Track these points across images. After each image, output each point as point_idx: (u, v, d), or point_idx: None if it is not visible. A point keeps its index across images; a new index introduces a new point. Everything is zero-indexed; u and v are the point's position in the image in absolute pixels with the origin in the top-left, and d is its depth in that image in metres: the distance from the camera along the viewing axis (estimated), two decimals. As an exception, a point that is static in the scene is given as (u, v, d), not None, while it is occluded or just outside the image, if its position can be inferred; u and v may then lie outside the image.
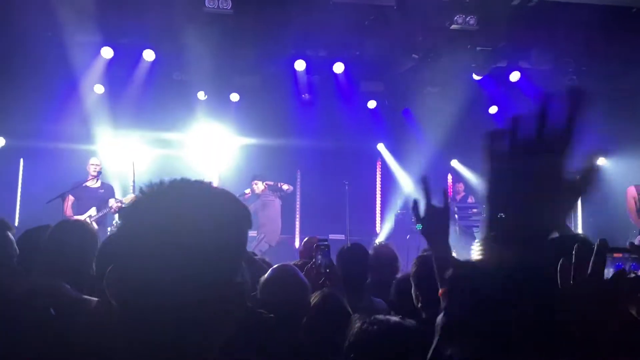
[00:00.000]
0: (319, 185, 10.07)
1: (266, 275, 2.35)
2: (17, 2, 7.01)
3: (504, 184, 0.78)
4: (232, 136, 10.08)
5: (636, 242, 1.45)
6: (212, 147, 10.39)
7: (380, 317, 1.81)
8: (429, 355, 1.37)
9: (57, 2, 7.04)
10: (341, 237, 8.79)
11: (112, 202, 7.44)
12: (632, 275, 1.40)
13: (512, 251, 0.73)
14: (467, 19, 7.44)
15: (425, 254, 2.69)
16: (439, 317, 1.14)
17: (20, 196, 9.47)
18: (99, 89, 8.97)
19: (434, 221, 1.73)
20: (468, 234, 9.30)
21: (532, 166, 0.83)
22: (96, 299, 1.81)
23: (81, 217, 7.15)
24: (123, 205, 7.01)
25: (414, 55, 8.55)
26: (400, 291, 2.96)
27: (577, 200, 0.80)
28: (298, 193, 10.56)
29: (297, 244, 9.69)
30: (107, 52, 8.22)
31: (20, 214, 9.31)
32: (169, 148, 9.79)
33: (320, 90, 9.69)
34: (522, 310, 0.71)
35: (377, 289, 3.41)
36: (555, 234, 2.22)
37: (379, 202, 10.89)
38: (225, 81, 9.32)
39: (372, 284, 3.55)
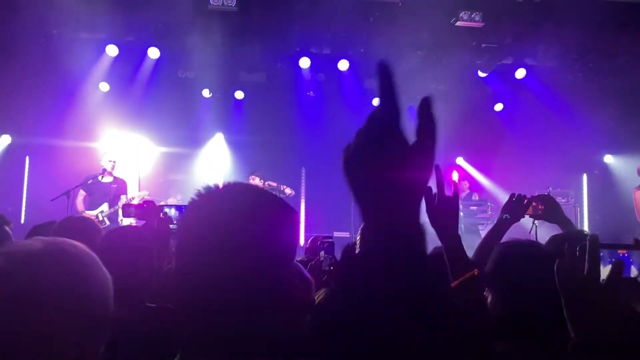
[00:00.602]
0: (323, 182, 10.05)
1: None
2: (22, 0, 7.03)
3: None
4: (235, 133, 10.09)
5: None
6: (215, 144, 10.42)
7: None
8: None
9: (62, 0, 7.05)
10: (346, 234, 8.79)
11: (123, 199, 7.36)
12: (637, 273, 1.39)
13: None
14: (473, 15, 7.40)
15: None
16: None
17: (26, 193, 9.51)
18: (104, 86, 9.00)
19: (445, 211, 1.70)
20: (473, 232, 9.27)
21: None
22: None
23: (93, 213, 7.16)
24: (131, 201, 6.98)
25: (418, 52, 8.52)
26: None
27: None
28: (303, 190, 10.56)
29: (301, 241, 9.69)
30: (112, 50, 8.24)
31: (26, 211, 9.35)
32: (173, 145, 9.80)
33: (325, 87, 9.68)
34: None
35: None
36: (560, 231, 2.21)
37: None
38: (230, 79, 9.33)
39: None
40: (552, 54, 8.51)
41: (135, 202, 6.71)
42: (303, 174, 10.64)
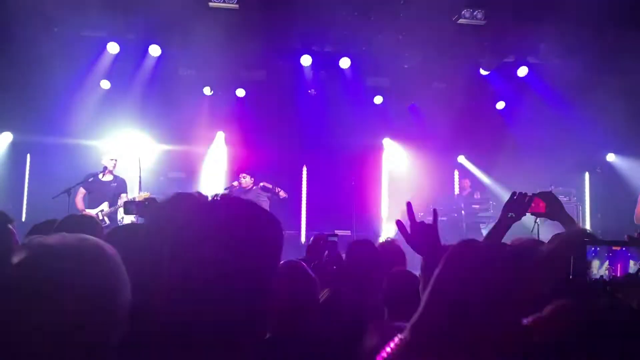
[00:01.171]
0: (324, 180, 10.05)
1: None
2: (23, -2, 7.02)
3: None
4: (236, 131, 10.08)
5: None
6: (216, 142, 10.42)
7: None
8: None
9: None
10: (347, 232, 8.77)
11: (123, 198, 7.35)
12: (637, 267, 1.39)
13: None
14: (475, 13, 7.38)
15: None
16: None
17: (27, 191, 9.51)
18: (105, 84, 8.99)
19: (424, 236, 1.73)
20: (475, 230, 9.25)
21: None
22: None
23: (92, 212, 7.16)
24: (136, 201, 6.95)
25: (420, 50, 8.49)
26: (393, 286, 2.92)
27: None
28: (304, 189, 10.55)
29: (302, 239, 9.69)
30: (113, 48, 8.23)
31: (27, 208, 9.35)
32: (174, 143, 9.79)
33: (327, 85, 9.66)
34: None
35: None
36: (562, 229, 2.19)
37: (386, 197, 10.86)
38: (231, 76, 9.31)
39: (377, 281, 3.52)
40: (554, 52, 8.49)
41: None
42: (304, 172, 10.63)
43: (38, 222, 2.90)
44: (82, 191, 7.45)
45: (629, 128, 9.10)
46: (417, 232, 1.74)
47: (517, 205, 2.26)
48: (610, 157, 10.67)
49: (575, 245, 0.97)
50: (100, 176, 7.43)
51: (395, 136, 10.66)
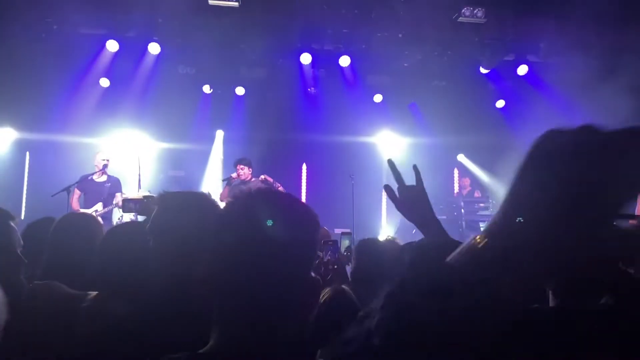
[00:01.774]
0: (324, 178, 10.05)
1: None
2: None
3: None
4: (236, 130, 10.07)
5: None
6: (216, 140, 10.41)
7: None
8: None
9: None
10: (347, 231, 8.75)
11: (118, 197, 7.38)
12: None
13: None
14: (475, 11, 7.38)
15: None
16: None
17: (26, 189, 9.50)
18: (105, 82, 8.97)
19: (413, 202, 1.67)
20: (474, 229, 9.25)
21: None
22: (94, 292, 1.81)
23: (87, 212, 7.15)
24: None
25: (420, 48, 8.48)
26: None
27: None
28: (304, 187, 10.55)
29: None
30: (112, 46, 8.21)
31: (26, 207, 9.34)
32: (174, 141, 9.78)
33: (326, 83, 9.65)
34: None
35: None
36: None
37: (385, 196, 10.85)
38: (231, 74, 9.30)
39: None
40: (554, 50, 8.48)
41: None
42: (304, 170, 10.62)
43: (34, 221, 2.89)
44: (76, 192, 7.46)
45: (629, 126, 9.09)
46: (405, 197, 1.70)
47: None
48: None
49: None
50: (94, 177, 7.44)
51: (394, 135, 10.65)
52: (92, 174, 7.46)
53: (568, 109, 9.37)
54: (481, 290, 0.56)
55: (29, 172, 9.57)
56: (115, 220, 7.39)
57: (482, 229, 9.87)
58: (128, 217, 5.83)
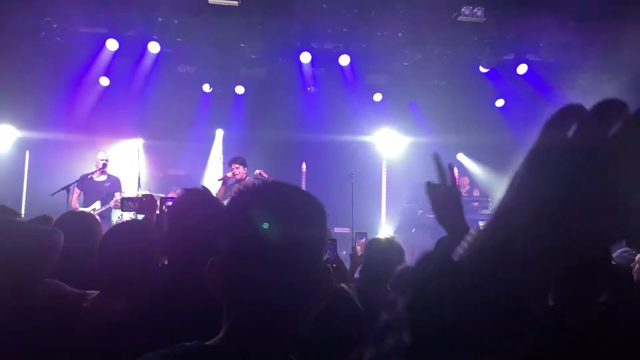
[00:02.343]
0: (324, 177, 10.05)
1: None
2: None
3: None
4: (236, 129, 10.07)
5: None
6: (215, 139, 10.41)
7: None
8: None
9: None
10: (346, 230, 8.77)
11: (117, 197, 7.36)
12: None
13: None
14: (475, 10, 7.37)
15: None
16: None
17: (26, 188, 9.49)
18: (105, 81, 8.97)
19: (448, 202, 1.66)
20: (473, 228, 9.26)
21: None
22: (96, 292, 1.81)
23: (85, 210, 7.15)
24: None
25: (420, 47, 8.48)
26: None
27: None
28: (303, 186, 10.54)
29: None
30: (112, 44, 8.21)
31: (26, 205, 9.34)
32: (174, 140, 9.79)
33: (326, 82, 9.65)
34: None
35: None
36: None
37: (385, 195, 10.86)
38: (231, 74, 9.29)
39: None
40: (554, 49, 8.48)
41: None
42: (303, 169, 10.62)
43: (31, 219, 2.89)
44: (76, 191, 7.46)
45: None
46: (438, 196, 1.68)
47: None
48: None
49: None
50: (94, 176, 7.45)
51: (394, 134, 10.65)
52: (92, 173, 7.47)
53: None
54: (485, 289, 0.56)
55: (28, 171, 9.57)
56: (114, 219, 7.39)
57: (481, 227, 9.91)
58: (128, 216, 5.83)
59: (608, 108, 0.60)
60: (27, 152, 9.54)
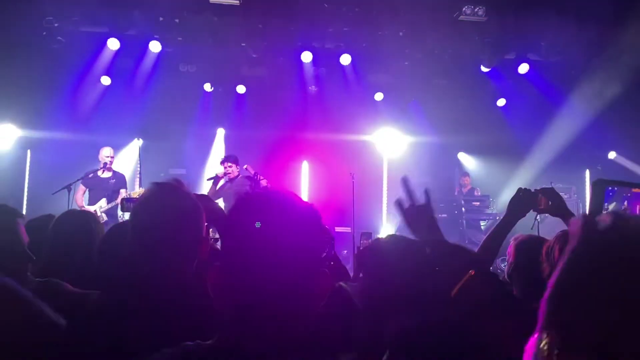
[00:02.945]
0: (325, 177, 10.05)
1: None
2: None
3: None
4: (237, 128, 10.08)
5: None
6: (217, 138, 10.41)
7: None
8: None
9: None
10: (347, 229, 8.77)
11: (123, 193, 7.36)
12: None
13: None
14: (476, 9, 7.36)
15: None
16: None
17: (28, 187, 9.51)
18: (106, 80, 8.98)
19: (421, 219, 1.68)
20: (475, 227, 9.26)
21: None
22: (97, 292, 1.81)
23: (91, 208, 7.15)
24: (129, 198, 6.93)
25: (421, 46, 8.48)
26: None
27: None
28: (304, 185, 10.55)
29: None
30: (113, 44, 8.21)
31: (27, 204, 9.36)
32: (175, 139, 9.79)
33: (327, 82, 9.64)
34: None
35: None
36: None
37: (386, 194, 10.86)
38: (232, 73, 9.30)
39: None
40: (555, 49, 8.47)
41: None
42: (305, 169, 10.63)
43: (35, 217, 2.90)
44: (81, 188, 7.46)
45: (631, 126, 9.08)
46: (414, 216, 1.71)
47: (523, 201, 2.25)
48: (612, 155, 10.66)
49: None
50: (99, 172, 7.44)
51: (395, 133, 10.65)
52: (97, 169, 7.46)
53: (568, 108, 9.37)
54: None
55: (30, 170, 9.59)
56: (118, 217, 7.39)
57: (482, 227, 9.90)
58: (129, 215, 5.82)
59: None
60: (29, 151, 9.55)
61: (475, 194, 9.94)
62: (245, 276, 0.97)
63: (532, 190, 2.30)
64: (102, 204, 7.32)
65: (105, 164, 7.45)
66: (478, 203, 9.55)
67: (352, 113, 9.80)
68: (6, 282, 1.52)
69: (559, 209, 2.30)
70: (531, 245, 2.32)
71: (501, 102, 10.06)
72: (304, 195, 10.42)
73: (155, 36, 8.22)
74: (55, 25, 7.74)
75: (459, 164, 11.13)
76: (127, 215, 5.96)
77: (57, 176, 7.68)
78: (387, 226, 10.33)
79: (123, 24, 7.99)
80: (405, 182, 1.70)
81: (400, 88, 9.81)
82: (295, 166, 10.51)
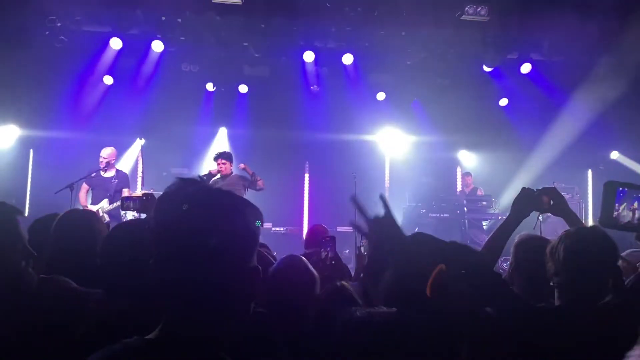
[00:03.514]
0: (327, 177, 10.05)
1: (275, 265, 2.34)
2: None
3: None
4: (239, 127, 10.09)
5: None
6: (220, 138, 10.42)
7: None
8: None
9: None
10: (349, 229, 8.76)
11: (125, 192, 7.30)
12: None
13: None
14: (478, 9, 7.35)
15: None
16: None
17: (30, 186, 9.53)
18: (108, 79, 8.99)
19: (383, 234, 1.58)
20: (477, 227, 9.25)
21: None
22: (99, 290, 1.81)
23: (93, 208, 7.14)
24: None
25: (423, 46, 8.47)
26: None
27: None
28: (306, 185, 10.55)
29: (304, 235, 9.68)
30: (116, 43, 8.22)
31: (30, 203, 9.38)
32: (177, 139, 9.80)
33: (329, 81, 9.64)
34: None
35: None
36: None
37: (388, 194, 10.85)
38: (234, 73, 9.31)
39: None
40: (558, 48, 8.45)
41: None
42: (306, 168, 10.63)
43: (40, 216, 2.91)
44: (85, 187, 7.43)
45: (634, 125, 9.06)
46: (375, 231, 1.62)
47: (527, 201, 2.25)
48: (614, 155, 10.64)
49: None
50: (101, 172, 7.39)
51: (397, 133, 10.64)
52: (100, 169, 7.42)
53: (571, 108, 9.35)
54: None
55: (32, 169, 9.61)
56: (121, 217, 7.37)
57: (485, 226, 9.88)
58: (131, 214, 5.83)
59: None
60: (31, 150, 9.57)
61: (478, 193, 9.93)
62: (173, 274, 1.01)
63: (535, 190, 2.30)
64: (104, 205, 7.28)
65: (103, 164, 7.37)
66: (480, 203, 9.54)
67: (354, 113, 9.79)
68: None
69: (561, 208, 2.30)
70: (531, 245, 2.32)
71: (503, 101, 10.04)
72: (306, 194, 10.44)
73: (158, 36, 8.23)
74: (58, 24, 7.75)
75: (459, 162, 11.13)
76: (129, 215, 5.98)
77: (59, 175, 7.68)
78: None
79: (125, 23, 8.00)
80: (354, 201, 1.59)
81: (403, 88, 9.80)
82: (297, 166, 10.51)
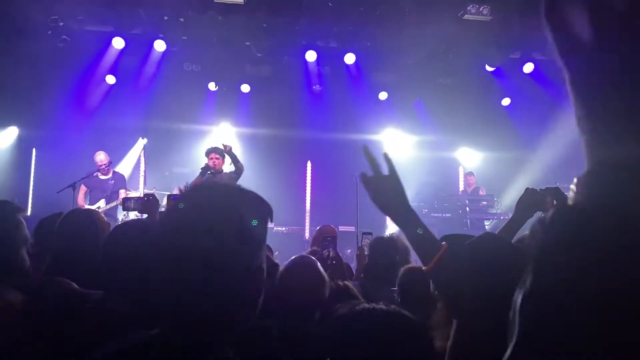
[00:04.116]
0: (329, 176, 10.05)
1: (286, 264, 2.33)
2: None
3: None
4: (241, 127, 10.09)
5: None
6: (221, 138, 10.41)
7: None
8: None
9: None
10: (351, 228, 8.76)
11: (122, 194, 7.36)
12: None
13: None
14: (481, 9, 7.34)
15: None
16: None
17: (33, 185, 9.55)
18: (111, 79, 9.01)
19: (386, 191, 1.60)
20: (479, 227, 9.23)
21: None
22: (99, 291, 1.82)
23: (91, 208, 7.17)
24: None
25: (425, 45, 8.45)
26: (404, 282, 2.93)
27: None
28: (308, 184, 10.55)
29: (307, 234, 9.70)
30: (118, 43, 8.23)
31: (32, 203, 9.40)
32: (179, 139, 9.81)
33: (331, 81, 9.64)
34: None
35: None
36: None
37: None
38: (236, 72, 9.31)
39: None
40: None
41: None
42: (308, 168, 10.63)
43: (43, 216, 2.92)
44: (83, 188, 7.49)
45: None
46: (380, 188, 1.65)
47: (531, 201, 2.25)
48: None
49: None
50: (98, 174, 7.46)
51: (399, 132, 10.63)
52: (97, 170, 7.48)
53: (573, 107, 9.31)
54: None
55: (35, 169, 9.63)
56: (120, 217, 7.39)
57: (487, 226, 9.85)
58: (133, 214, 5.84)
59: None
60: (34, 149, 9.59)
61: (480, 193, 9.92)
62: (173, 277, 1.00)
63: (539, 190, 2.30)
64: (101, 205, 7.34)
65: (100, 168, 7.44)
66: (482, 203, 9.53)
67: (356, 112, 9.79)
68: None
69: None
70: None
71: (506, 101, 10.03)
72: (308, 194, 10.43)
73: (160, 35, 8.24)
74: (61, 24, 7.76)
75: (461, 162, 11.11)
76: (132, 215, 5.98)
77: (61, 175, 7.71)
78: (391, 226, 10.31)
79: (128, 23, 8.02)
80: (365, 150, 1.63)
81: (405, 87, 9.80)
82: (299, 165, 10.51)
